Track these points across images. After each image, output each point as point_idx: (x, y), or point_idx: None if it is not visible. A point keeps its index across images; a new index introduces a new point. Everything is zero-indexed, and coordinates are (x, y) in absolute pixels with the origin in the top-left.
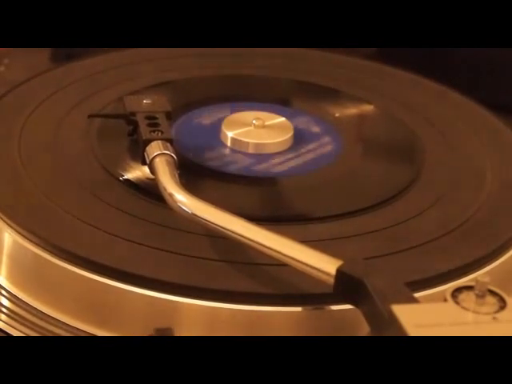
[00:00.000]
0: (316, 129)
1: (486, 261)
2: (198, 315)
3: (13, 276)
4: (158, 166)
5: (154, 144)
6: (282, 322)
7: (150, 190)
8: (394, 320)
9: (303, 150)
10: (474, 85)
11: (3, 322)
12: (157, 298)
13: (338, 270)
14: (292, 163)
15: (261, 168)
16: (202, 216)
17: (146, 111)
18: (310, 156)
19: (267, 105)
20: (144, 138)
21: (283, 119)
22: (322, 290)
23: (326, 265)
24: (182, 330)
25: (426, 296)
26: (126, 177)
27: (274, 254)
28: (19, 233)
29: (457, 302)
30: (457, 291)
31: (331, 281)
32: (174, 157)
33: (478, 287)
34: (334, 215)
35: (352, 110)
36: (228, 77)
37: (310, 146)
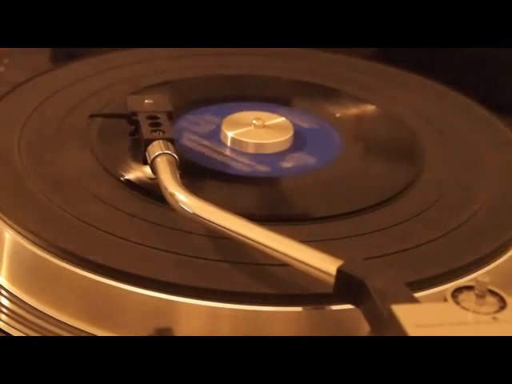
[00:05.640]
0: (316, 129)
1: (486, 261)
2: (198, 315)
3: (13, 276)
4: (160, 165)
5: (155, 144)
6: (281, 321)
7: (151, 190)
8: (394, 320)
9: (303, 150)
10: (474, 85)
11: (3, 321)
12: (157, 297)
13: (339, 270)
14: (292, 163)
15: (261, 168)
16: (203, 216)
17: (148, 111)
18: (310, 156)
19: (267, 105)
20: (145, 137)
21: (283, 119)
22: (322, 289)
23: (326, 265)
24: (182, 330)
25: (425, 296)
26: (126, 177)
27: (274, 253)
28: (19, 233)
29: (457, 302)
30: (457, 291)
31: (331, 281)
32: (176, 157)
33: (478, 287)
34: (334, 215)
35: (352, 110)
36: (228, 77)
37: (310, 146)
